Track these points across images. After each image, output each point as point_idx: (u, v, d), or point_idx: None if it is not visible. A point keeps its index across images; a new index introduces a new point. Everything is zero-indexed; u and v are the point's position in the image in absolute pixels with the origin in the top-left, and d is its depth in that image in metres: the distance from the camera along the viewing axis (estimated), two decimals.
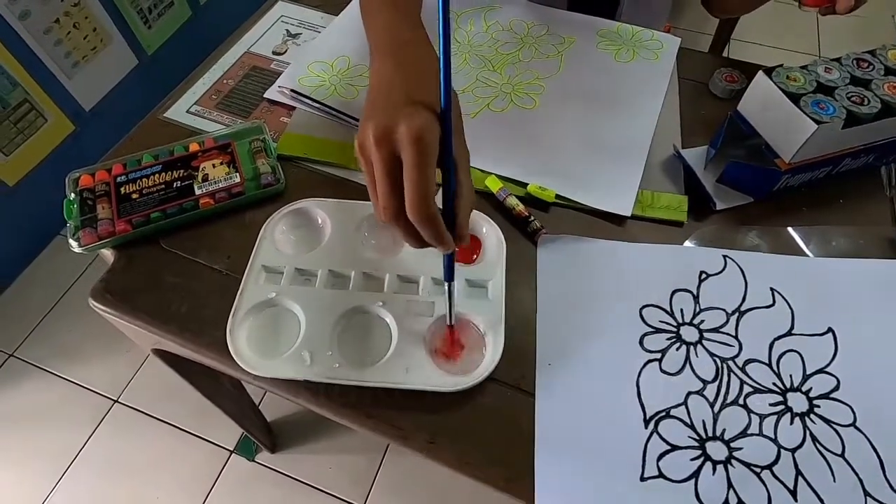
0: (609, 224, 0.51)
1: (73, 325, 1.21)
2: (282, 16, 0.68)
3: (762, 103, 0.49)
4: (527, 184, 0.52)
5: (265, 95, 0.59)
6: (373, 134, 0.32)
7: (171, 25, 1.50)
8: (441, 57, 0.30)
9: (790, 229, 0.50)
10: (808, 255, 0.49)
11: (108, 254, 0.48)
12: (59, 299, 1.25)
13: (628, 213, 0.50)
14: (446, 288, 0.39)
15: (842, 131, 0.46)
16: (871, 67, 0.49)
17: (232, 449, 1.06)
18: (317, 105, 0.57)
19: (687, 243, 0.50)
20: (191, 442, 1.07)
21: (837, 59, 0.50)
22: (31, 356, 1.18)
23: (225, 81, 0.61)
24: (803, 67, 0.49)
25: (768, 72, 0.48)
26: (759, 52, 1.72)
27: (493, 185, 0.51)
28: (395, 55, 0.39)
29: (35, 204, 1.26)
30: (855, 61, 0.50)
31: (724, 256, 0.49)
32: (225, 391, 0.79)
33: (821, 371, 0.42)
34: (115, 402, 1.12)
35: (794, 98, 0.46)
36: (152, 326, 0.45)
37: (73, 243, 0.46)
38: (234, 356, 0.41)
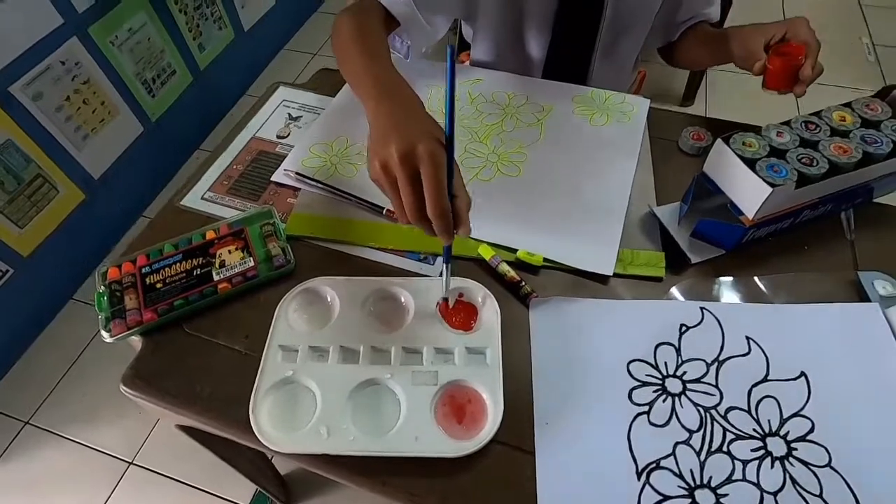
0: (594, 283, 0.55)
1: (86, 388, 1.24)
2: (283, 100, 0.74)
3: (723, 167, 0.54)
4: (516, 249, 0.56)
5: (272, 178, 0.64)
6: (398, 155, 0.42)
7: (174, 93, 1.58)
8: (447, 99, 0.40)
9: (756, 279, 0.55)
10: (776, 303, 0.53)
11: (136, 340, 0.52)
12: (72, 365, 1.28)
13: (611, 272, 0.55)
14: (445, 268, 0.49)
15: (795, 191, 0.51)
16: (818, 129, 0.54)
17: None
18: (320, 185, 0.62)
19: (673, 290, 0.54)
20: (206, 500, 1.09)
21: (787, 123, 0.55)
22: (46, 423, 1.20)
23: (235, 167, 0.66)
24: (757, 132, 0.54)
25: (726, 139, 0.54)
26: (736, 80, 1.80)
27: (486, 253, 0.56)
28: (389, 96, 0.50)
29: (47, 273, 1.31)
30: (803, 124, 0.55)
31: (702, 308, 0.53)
32: (242, 454, 0.82)
33: (796, 414, 0.46)
34: (131, 464, 1.14)
35: (751, 163, 0.51)
36: (179, 408, 0.49)
37: (104, 334, 0.51)
38: (256, 434, 0.45)
